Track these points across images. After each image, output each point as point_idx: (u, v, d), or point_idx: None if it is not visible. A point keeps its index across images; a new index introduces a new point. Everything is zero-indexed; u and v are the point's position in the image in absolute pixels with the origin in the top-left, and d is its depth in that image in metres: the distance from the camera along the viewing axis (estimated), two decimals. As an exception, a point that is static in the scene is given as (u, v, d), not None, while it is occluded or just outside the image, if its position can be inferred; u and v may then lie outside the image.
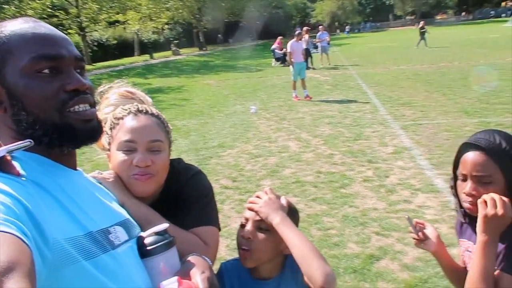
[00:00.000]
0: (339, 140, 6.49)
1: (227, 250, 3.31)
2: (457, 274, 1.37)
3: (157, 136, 1.13)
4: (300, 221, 3.98)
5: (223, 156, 6.20)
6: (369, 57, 21.06)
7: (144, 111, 1.16)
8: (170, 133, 1.22)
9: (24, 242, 0.57)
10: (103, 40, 31.70)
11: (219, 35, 44.73)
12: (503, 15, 55.00)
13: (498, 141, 1.16)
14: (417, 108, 8.26)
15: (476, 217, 1.21)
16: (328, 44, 18.64)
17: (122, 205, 1.06)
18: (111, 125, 1.15)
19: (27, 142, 0.75)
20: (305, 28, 18.43)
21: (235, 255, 1.27)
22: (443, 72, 13.00)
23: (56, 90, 0.79)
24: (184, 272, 0.86)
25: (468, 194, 1.19)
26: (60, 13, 22.73)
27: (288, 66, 19.41)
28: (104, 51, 31.00)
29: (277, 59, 20.47)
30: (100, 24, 27.44)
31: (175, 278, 0.81)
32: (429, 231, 1.39)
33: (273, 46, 21.00)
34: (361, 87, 11.75)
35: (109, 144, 1.16)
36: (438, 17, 70.03)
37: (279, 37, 21.15)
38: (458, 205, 1.29)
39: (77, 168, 0.92)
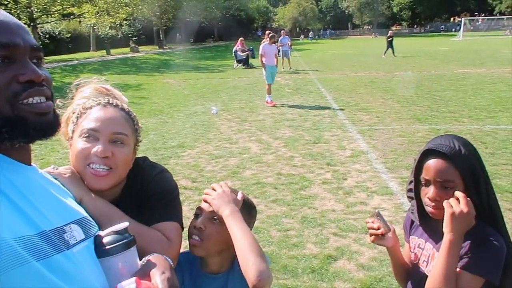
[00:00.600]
0: (299, 143, 6.59)
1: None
2: (405, 269, 1.45)
3: (122, 129, 1.10)
4: (260, 222, 3.97)
5: (182, 156, 6.09)
6: (329, 63, 21.62)
7: (114, 104, 1.13)
8: (138, 131, 1.19)
9: None
10: (56, 33, 30.24)
11: (178, 34, 44.02)
12: (453, 29, 58.64)
13: (458, 147, 1.21)
14: (373, 114, 8.56)
15: (433, 220, 1.27)
16: (290, 48, 18.91)
17: (80, 202, 1.01)
18: (78, 114, 1.12)
19: None
20: (267, 32, 18.64)
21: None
22: (397, 81, 13.59)
23: (8, 81, 0.74)
24: (143, 272, 0.83)
25: (432, 199, 1.23)
26: (8, 1, 21.41)
27: (250, 68, 19.69)
28: (57, 45, 29.55)
29: (239, 61, 20.49)
30: (53, 16, 26.11)
31: (133, 279, 0.79)
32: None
33: (235, 48, 20.99)
34: (321, 91, 12.02)
35: (73, 132, 1.11)
36: (393, 28, 73.40)
37: (240, 39, 21.20)
38: (416, 208, 1.33)
39: (31, 164, 0.87)
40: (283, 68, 18.17)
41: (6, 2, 21.12)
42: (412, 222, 1.44)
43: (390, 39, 23.68)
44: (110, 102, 1.13)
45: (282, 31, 20.21)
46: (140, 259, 0.90)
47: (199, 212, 1.25)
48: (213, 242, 1.21)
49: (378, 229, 1.39)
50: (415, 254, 1.39)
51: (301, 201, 4.33)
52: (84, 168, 1.05)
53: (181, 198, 4.31)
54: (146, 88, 14.17)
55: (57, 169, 1.07)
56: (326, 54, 28.57)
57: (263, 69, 10.54)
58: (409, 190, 1.36)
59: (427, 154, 1.25)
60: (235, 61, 20.79)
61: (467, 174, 1.20)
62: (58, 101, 1.21)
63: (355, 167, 5.33)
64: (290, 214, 4.03)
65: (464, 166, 1.20)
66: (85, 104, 1.13)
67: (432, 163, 1.22)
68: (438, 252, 1.27)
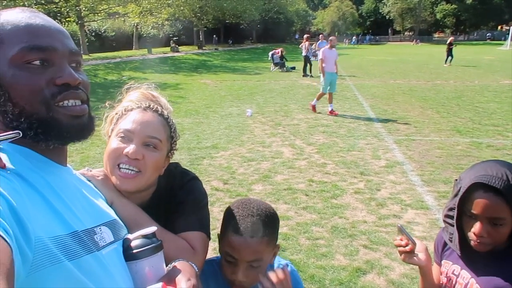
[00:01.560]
0: (333, 149, 6.51)
1: (213, 254, 3.27)
2: None
3: (157, 134, 1.12)
4: (290, 229, 3.94)
5: (215, 157, 6.17)
6: (367, 69, 21.23)
7: (154, 109, 1.15)
8: (174, 139, 1.20)
9: (5, 240, 0.55)
10: (101, 31, 31.47)
11: (214, 36, 44.30)
12: (503, 38, 55.62)
13: (511, 179, 1.11)
14: (411, 124, 8.32)
15: (473, 249, 1.20)
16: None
17: (111, 205, 1.03)
18: (119, 115, 1.16)
19: (14, 133, 0.72)
20: (305, 36, 18.56)
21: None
22: (438, 90, 13.14)
23: (45, 83, 0.77)
24: (169, 278, 0.84)
25: (478, 235, 1.16)
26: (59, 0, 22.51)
27: (287, 71, 19.67)
28: (102, 42, 30.79)
29: (276, 64, 20.52)
30: (99, 14, 27.25)
31: (160, 284, 0.79)
32: (417, 245, 1.34)
33: (272, 52, 21.04)
34: (357, 98, 11.83)
35: (112, 132, 1.15)
36: (436, 35, 71.07)
37: (281, 49, 21.19)
38: (457, 237, 1.25)
39: (67, 165, 0.90)
40: (320, 73, 18.04)
41: (57, 1, 22.19)
42: (445, 244, 1.35)
43: (452, 46, 22.20)
44: (151, 106, 1.15)
45: (320, 35, 20.06)
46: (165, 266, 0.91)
47: (232, 259, 1.17)
48: (256, 280, 1.13)
49: (406, 245, 1.31)
50: (449, 279, 1.32)
51: (332, 210, 4.27)
52: (113, 167, 1.08)
53: (212, 199, 4.35)
54: (184, 88, 14.46)
55: (90, 171, 1.11)
56: (364, 60, 28.06)
57: (321, 76, 9.71)
58: (448, 216, 1.27)
59: (478, 187, 1.13)
60: (272, 64, 20.84)
61: None
62: (107, 103, 1.26)
63: (389, 178, 5.20)
64: (320, 223, 3.99)
65: None
66: (127, 106, 1.17)
67: (482, 199, 1.12)
68: (477, 282, 1.21)
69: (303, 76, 17.52)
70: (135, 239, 0.88)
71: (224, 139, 7.25)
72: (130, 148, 1.07)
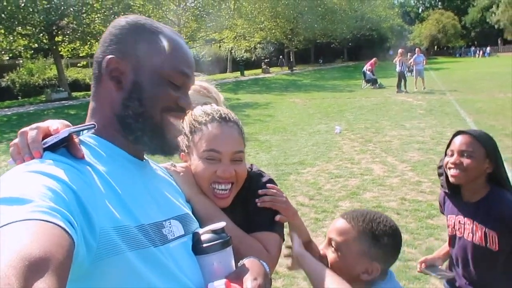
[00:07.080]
0: (429, 167, 6.01)
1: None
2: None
3: (240, 146, 1.12)
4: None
5: (302, 173, 6.12)
6: (471, 83, 19.41)
7: (227, 119, 1.12)
8: (244, 140, 1.21)
9: (67, 232, 0.56)
10: (200, 57, 33.90)
11: (281, 57, 39.37)
12: None
13: (480, 131, 1.73)
14: (526, 140, 7.33)
15: (457, 194, 1.75)
16: (423, 67, 17.55)
17: (188, 200, 1.05)
18: (191, 127, 1.12)
19: (90, 125, 0.77)
20: (400, 50, 17.72)
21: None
22: None
23: (172, 100, 0.85)
24: (236, 275, 0.83)
25: (453, 163, 1.66)
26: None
27: (379, 88, 18.87)
28: (199, 67, 33.07)
29: (368, 81, 19.88)
30: (198, 42, 29.46)
31: (223, 281, 0.79)
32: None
33: (364, 68, 20.44)
34: (459, 113, 10.84)
35: (187, 147, 1.13)
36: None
37: (374, 59, 20.45)
38: (444, 177, 1.75)
39: (144, 158, 0.93)
40: (416, 88, 17.00)
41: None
42: (444, 199, 1.83)
43: None
44: (223, 116, 1.12)
45: (416, 49, 18.97)
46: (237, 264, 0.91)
47: None
48: None
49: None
50: (458, 227, 1.72)
51: (426, 231, 3.92)
52: (208, 188, 1.09)
53: (296, 213, 4.18)
54: (274, 107, 14.75)
55: (174, 166, 1.12)
56: (468, 73, 25.76)
57: None
58: (439, 173, 1.81)
59: (458, 133, 1.71)
60: (363, 80, 20.24)
61: (492, 151, 1.62)
62: None
63: (497, 200, 4.61)
64: (413, 244, 3.68)
65: (487, 143, 1.63)
66: (196, 116, 1.12)
67: (459, 137, 1.67)
68: (480, 223, 1.62)
69: (397, 92, 16.66)
70: (204, 234, 0.89)
71: (311, 155, 7.17)
72: (223, 169, 1.07)
